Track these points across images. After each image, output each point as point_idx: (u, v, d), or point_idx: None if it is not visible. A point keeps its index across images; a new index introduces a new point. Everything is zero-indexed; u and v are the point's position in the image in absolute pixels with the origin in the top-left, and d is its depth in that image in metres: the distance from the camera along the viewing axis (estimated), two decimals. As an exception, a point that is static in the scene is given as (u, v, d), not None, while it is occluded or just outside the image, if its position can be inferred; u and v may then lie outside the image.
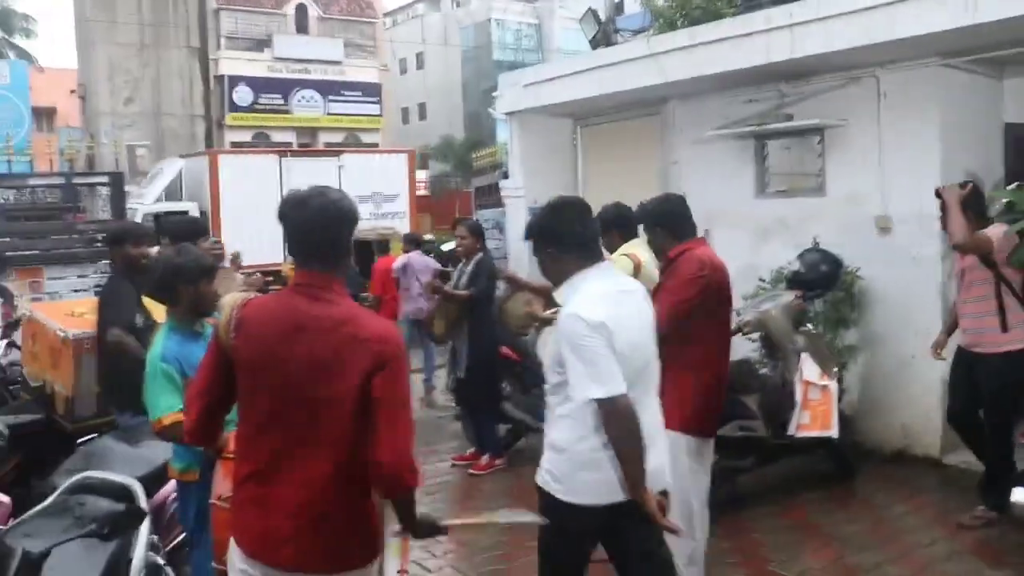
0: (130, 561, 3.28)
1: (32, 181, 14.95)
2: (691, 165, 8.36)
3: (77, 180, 15.20)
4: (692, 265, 4.16)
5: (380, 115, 41.65)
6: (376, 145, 42.01)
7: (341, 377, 2.53)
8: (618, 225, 5.48)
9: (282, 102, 38.85)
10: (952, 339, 5.74)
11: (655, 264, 4.87)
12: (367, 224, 14.85)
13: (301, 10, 39.78)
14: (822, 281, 6.51)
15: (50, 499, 3.55)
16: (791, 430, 6.14)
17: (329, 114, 40.35)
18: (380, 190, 18.65)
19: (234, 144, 38.01)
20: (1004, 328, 5.20)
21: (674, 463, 3.62)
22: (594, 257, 3.29)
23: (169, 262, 3.88)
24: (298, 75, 39.00)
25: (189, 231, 5.97)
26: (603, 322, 3.05)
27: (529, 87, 9.24)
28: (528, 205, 9.45)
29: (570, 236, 3.29)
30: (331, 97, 40.14)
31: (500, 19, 45.13)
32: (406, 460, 2.56)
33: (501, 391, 7.32)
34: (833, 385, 6.15)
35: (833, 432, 6.06)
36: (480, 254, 7.20)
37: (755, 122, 7.49)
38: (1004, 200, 5.58)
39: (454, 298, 7.14)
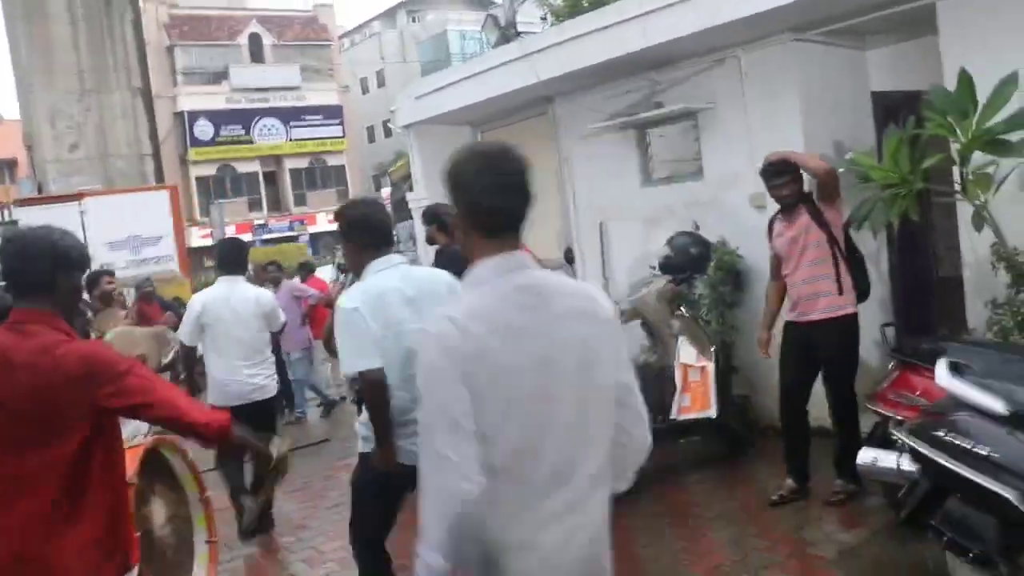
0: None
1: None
2: (580, 161, 8.42)
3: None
4: None
5: (343, 136, 41.77)
6: (342, 168, 42.23)
7: (52, 403, 2.57)
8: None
9: (244, 132, 39.05)
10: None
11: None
12: (126, 272, 13.55)
13: (255, 39, 39.98)
14: (692, 264, 6.55)
15: None
16: (673, 413, 6.20)
17: (292, 140, 40.55)
18: (137, 233, 16.94)
19: (199, 179, 38.19)
20: (840, 291, 5.25)
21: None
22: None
23: None
24: (258, 104, 39.20)
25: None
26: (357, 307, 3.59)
27: (421, 98, 9.30)
28: (434, 214, 9.50)
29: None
30: (293, 123, 40.35)
31: (457, 29, 45.31)
32: (207, 413, 2.81)
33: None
34: (710, 366, 6.21)
35: (712, 412, 6.11)
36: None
37: (629, 112, 7.55)
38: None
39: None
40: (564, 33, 7.56)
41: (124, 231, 16.71)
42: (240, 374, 5.92)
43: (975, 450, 3.41)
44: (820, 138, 6.61)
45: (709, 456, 6.52)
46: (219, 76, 38.59)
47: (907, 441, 3.70)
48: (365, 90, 48.27)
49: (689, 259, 6.53)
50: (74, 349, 2.66)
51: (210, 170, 38.54)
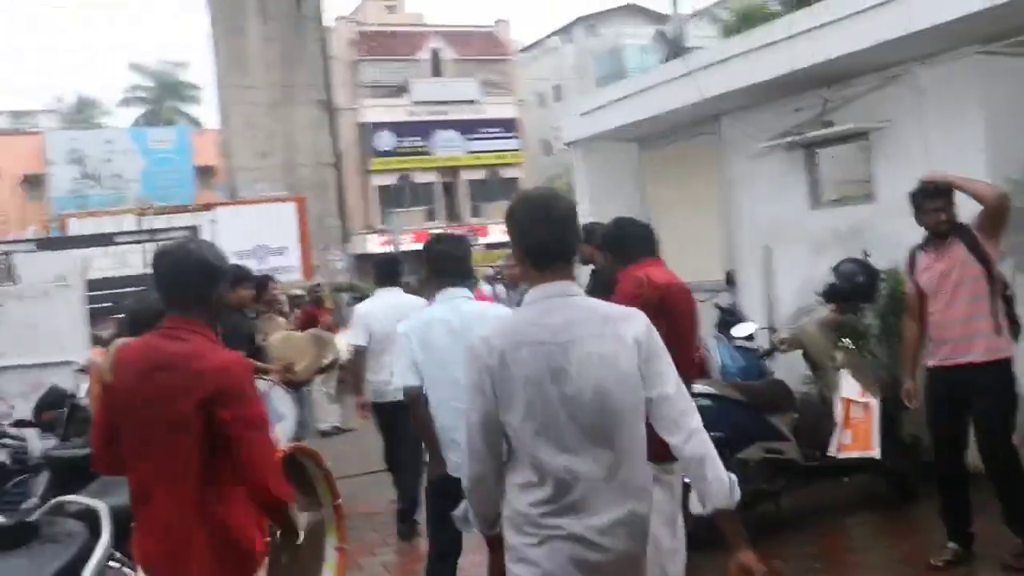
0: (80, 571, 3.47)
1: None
2: (746, 181, 8.12)
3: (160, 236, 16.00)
4: (628, 284, 4.14)
5: (519, 149, 42.31)
6: (516, 180, 42.77)
7: (185, 407, 2.75)
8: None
9: (423, 144, 40.16)
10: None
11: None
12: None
13: (436, 54, 41.10)
14: (858, 293, 6.16)
15: (33, 517, 3.85)
16: (831, 450, 5.84)
17: (469, 152, 41.37)
18: (264, 243, 17.23)
19: (379, 187, 39.63)
20: (998, 332, 4.75)
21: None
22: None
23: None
24: (437, 116, 40.25)
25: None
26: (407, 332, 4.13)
27: (586, 115, 9.24)
28: (596, 232, 9.42)
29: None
30: (470, 135, 41.16)
31: (634, 43, 45.05)
32: (272, 477, 2.79)
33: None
34: (875, 403, 5.82)
35: (874, 452, 5.72)
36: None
37: (797, 131, 7.22)
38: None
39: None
40: (730, 49, 7.33)
41: (251, 241, 17.06)
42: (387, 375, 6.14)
43: None
44: (1006, 161, 6.09)
45: (872, 498, 6.12)
46: (401, 89, 39.90)
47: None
48: (542, 104, 48.75)
49: (855, 288, 6.15)
50: (216, 362, 2.81)
51: (390, 179, 39.87)
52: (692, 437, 2.53)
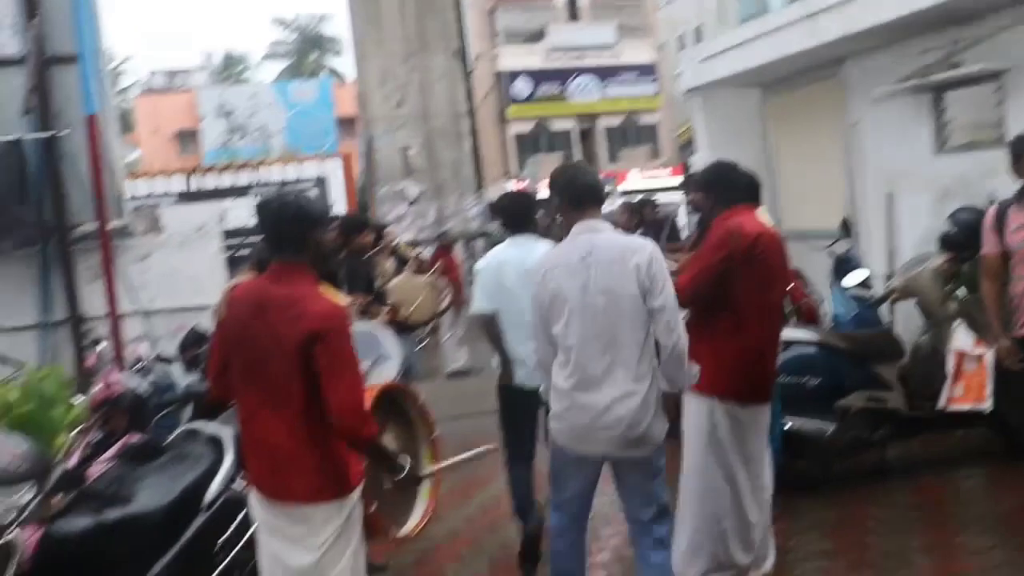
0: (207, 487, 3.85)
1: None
2: (869, 126, 7.88)
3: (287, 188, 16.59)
4: (718, 234, 4.19)
5: (657, 94, 41.64)
6: (655, 126, 42.22)
7: (287, 345, 3.03)
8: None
9: (560, 91, 40.06)
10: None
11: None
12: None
13: (572, -1, 40.72)
14: (976, 242, 5.93)
15: (168, 440, 4.30)
16: (941, 403, 5.73)
17: (606, 98, 40.99)
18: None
19: (517, 135, 39.87)
20: None
21: (710, 429, 4.15)
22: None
23: None
24: (573, 63, 40.00)
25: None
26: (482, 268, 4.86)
27: (706, 61, 9.12)
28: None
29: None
30: (607, 81, 40.74)
31: (779, -19, 43.31)
32: (353, 413, 3.04)
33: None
34: (990, 355, 5.64)
35: (986, 405, 5.57)
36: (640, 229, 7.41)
37: (923, 74, 6.95)
38: None
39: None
40: (851, -10, 7.08)
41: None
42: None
43: None
44: None
45: (984, 453, 5.97)
46: (537, 36, 39.79)
47: None
48: (682, 46, 47.68)
49: (972, 237, 5.92)
50: (315, 306, 3.07)
51: (526, 127, 40.02)
52: (678, 342, 3.55)
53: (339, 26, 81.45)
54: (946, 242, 6.03)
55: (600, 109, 41.20)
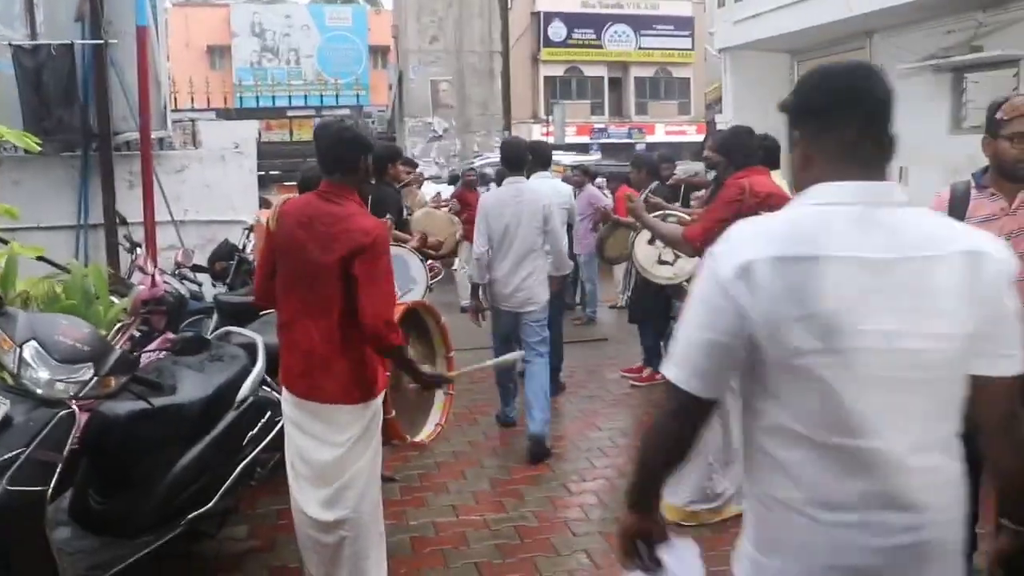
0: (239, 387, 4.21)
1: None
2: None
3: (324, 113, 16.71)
4: (732, 190, 4.46)
5: (692, 49, 41.31)
6: (687, 80, 41.93)
7: (331, 257, 3.33)
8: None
9: (594, 37, 39.79)
10: None
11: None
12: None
13: (616, -56, 40.23)
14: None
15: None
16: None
17: (640, 48, 40.69)
18: None
19: (547, 78, 39.72)
20: None
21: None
22: None
23: None
24: (611, 10, 39.65)
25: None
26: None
27: (739, 23, 9.27)
28: (737, 140, 9.57)
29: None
30: (643, 31, 40.40)
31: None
32: (382, 321, 3.34)
33: (669, 309, 7.64)
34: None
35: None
36: (654, 183, 7.59)
37: (944, 54, 7.13)
38: None
39: (625, 224, 7.60)
40: (885, -34, 7.24)
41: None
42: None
43: None
44: None
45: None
46: (578, -21, 39.50)
47: None
48: (721, 3, 47.14)
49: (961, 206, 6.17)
50: (359, 224, 3.36)
51: (558, 71, 39.85)
52: (559, 246, 6.08)
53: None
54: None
55: (633, 59, 40.95)
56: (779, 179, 5.33)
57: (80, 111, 7.64)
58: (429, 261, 6.90)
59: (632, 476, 1.93)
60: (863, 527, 1.65)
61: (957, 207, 3.66)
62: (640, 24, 40.37)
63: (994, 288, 1.67)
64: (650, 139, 39.98)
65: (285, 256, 3.50)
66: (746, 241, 1.68)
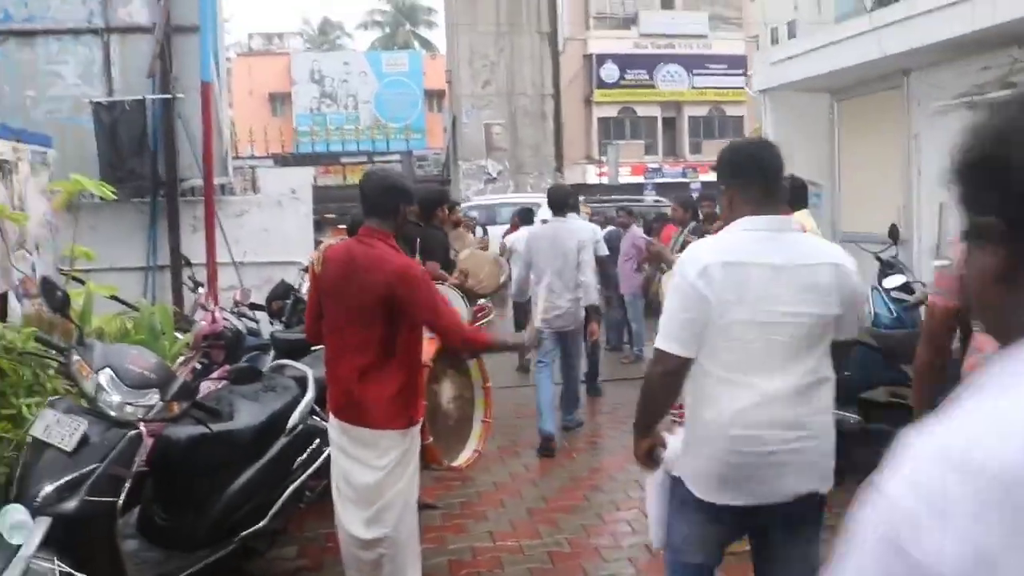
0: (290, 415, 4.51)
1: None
2: (928, 137, 8.21)
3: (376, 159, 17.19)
4: None
5: (744, 87, 41.42)
6: (741, 119, 42.02)
7: (368, 297, 3.61)
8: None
9: (647, 77, 40.16)
10: None
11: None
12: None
13: (667, -14, 40.70)
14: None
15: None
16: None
17: (693, 88, 40.93)
18: None
19: (600, 119, 40.13)
20: None
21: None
22: None
23: None
24: (663, 50, 40.02)
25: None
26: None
27: (776, 64, 9.50)
28: (778, 179, 9.75)
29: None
30: (695, 71, 40.66)
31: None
32: (456, 328, 3.76)
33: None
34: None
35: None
36: (693, 223, 7.82)
37: (978, 92, 7.28)
38: None
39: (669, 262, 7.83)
40: (915, 7, 7.42)
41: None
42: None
43: None
44: None
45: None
46: (629, 21, 39.96)
47: None
48: (775, 41, 47.19)
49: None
50: (397, 264, 3.64)
51: (612, 112, 40.28)
52: (588, 277, 6.74)
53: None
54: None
55: (686, 98, 41.19)
56: (805, 217, 5.53)
57: (150, 160, 8.16)
58: (480, 301, 7.22)
59: (638, 415, 2.85)
60: (757, 438, 2.54)
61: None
62: (692, 64, 40.65)
63: (850, 287, 2.64)
64: (704, 178, 40.06)
65: (328, 298, 3.77)
66: (703, 252, 2.63)
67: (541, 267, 6.95)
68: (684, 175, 40.89)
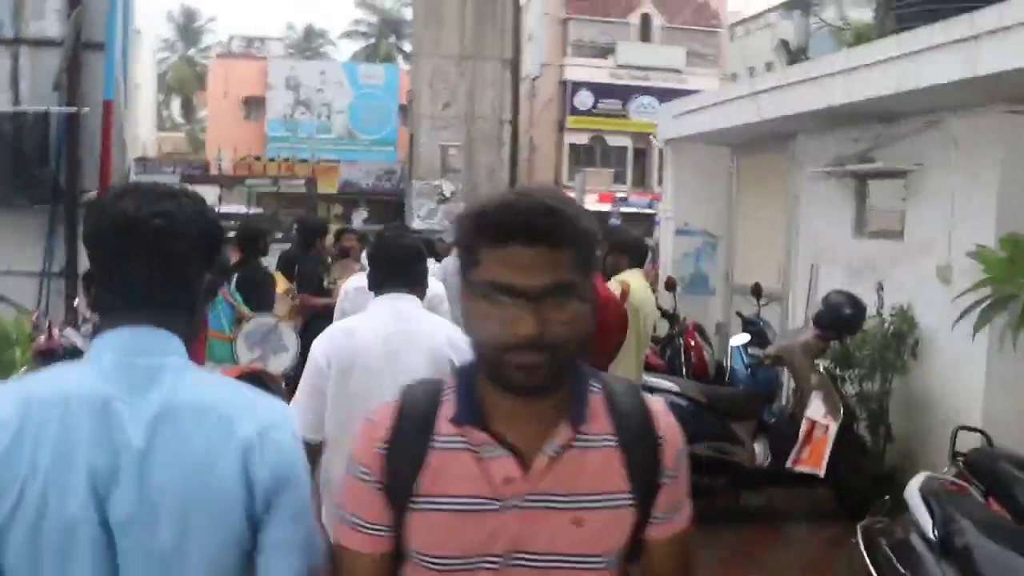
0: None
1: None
2: (807, 200, 8.52)
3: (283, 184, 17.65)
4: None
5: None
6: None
7: None
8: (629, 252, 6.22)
9: (620, 107, 40.62)
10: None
11: (646, 290, 5.77)
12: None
13: (646, 19, 41.27)
14: (843, 324, 6.56)
15: None
16: (788, 462, 6.41)
17: (666, 120, 41.38)
18: None
19: (572, 145, 40.52)
20: None
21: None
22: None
23: None
24: (638, 81, 40.51)
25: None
26: None
27: (677, 117, 9.81)
28: (676, 228, 10.06)
29: None
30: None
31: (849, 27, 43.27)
32: None
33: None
34: (834, 427, 6.30)
35: (820, 472, 6.23)
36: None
37: (843, 162, 7.60)
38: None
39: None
40: (788, 76, 7.75)
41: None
42: None
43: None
44: (1016, 221, 6.29)
45: (830, 511, 6.63)
46: (606, 51, 40.47)
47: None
48: (753, 79, 47.87)
49: (839, 319, 6.56)
50: None
51: (583, 139, 40.72)
52: None
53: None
54: (816, 320, 6.69)
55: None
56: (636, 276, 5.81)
57: (52, 170, 8.38)
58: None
59: None
60: None
61: None
62: (667, 96, 40.81)
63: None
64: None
65: None
66: None
67: None
68: (651, 206, 41.27)
